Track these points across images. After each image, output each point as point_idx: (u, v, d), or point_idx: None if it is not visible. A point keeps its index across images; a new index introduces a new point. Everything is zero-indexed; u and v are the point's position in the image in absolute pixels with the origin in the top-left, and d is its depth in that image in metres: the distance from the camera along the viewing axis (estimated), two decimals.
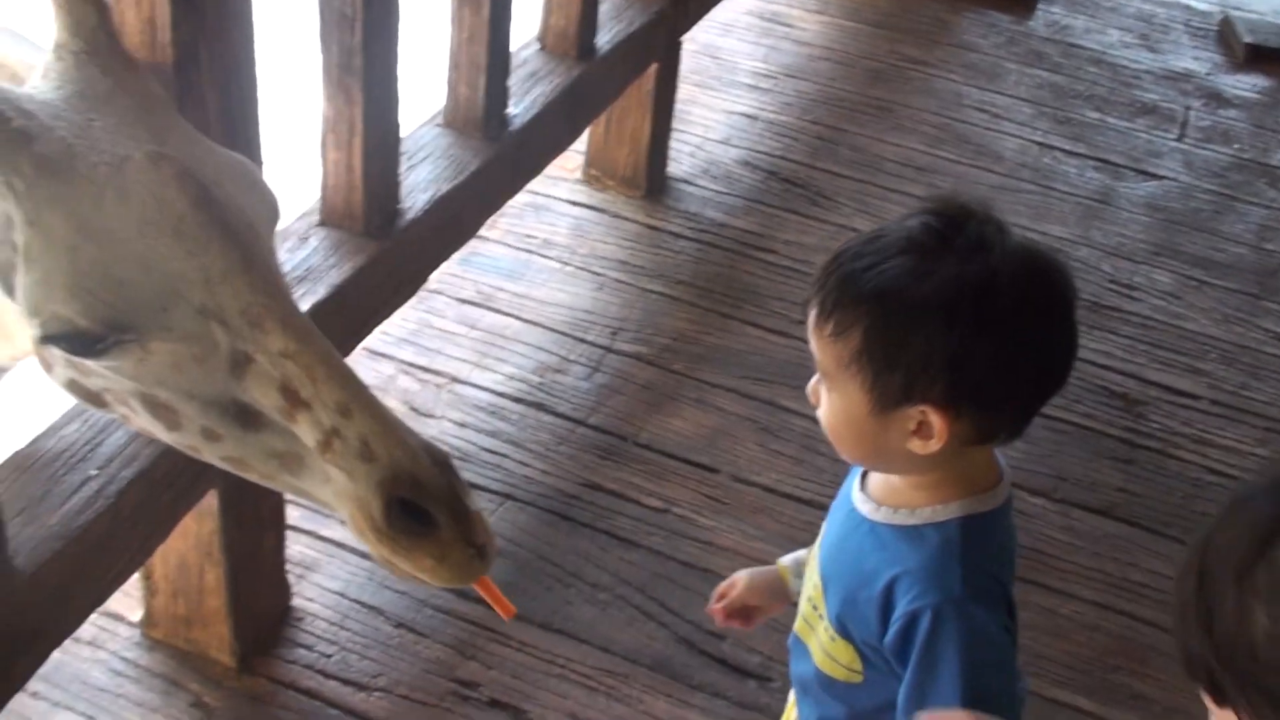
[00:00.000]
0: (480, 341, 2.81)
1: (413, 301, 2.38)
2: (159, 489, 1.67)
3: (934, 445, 1.26)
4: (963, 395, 1.25)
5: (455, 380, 2.70)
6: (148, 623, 2.09)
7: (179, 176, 1.15)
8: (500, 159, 2.40)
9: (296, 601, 2.20)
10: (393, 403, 2.60)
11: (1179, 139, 3.96)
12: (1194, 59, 4.41)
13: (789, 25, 4.25)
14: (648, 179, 3.29)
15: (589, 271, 3.06)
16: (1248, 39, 4.43)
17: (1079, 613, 2.39)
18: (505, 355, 2.78)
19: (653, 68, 3.12)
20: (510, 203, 2.70)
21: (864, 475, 1.42)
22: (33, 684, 1.77)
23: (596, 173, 3.31)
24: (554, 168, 2.97)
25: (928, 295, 1.23)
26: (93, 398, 1.25)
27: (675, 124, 3.40)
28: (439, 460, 1.20)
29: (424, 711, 2.07)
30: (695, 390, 2.77)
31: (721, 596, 1.62)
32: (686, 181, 3.42)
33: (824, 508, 1.50)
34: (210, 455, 1.25)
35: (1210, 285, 3.35)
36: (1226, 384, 3.02)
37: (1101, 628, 2.37)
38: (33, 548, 1.50)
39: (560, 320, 2.90)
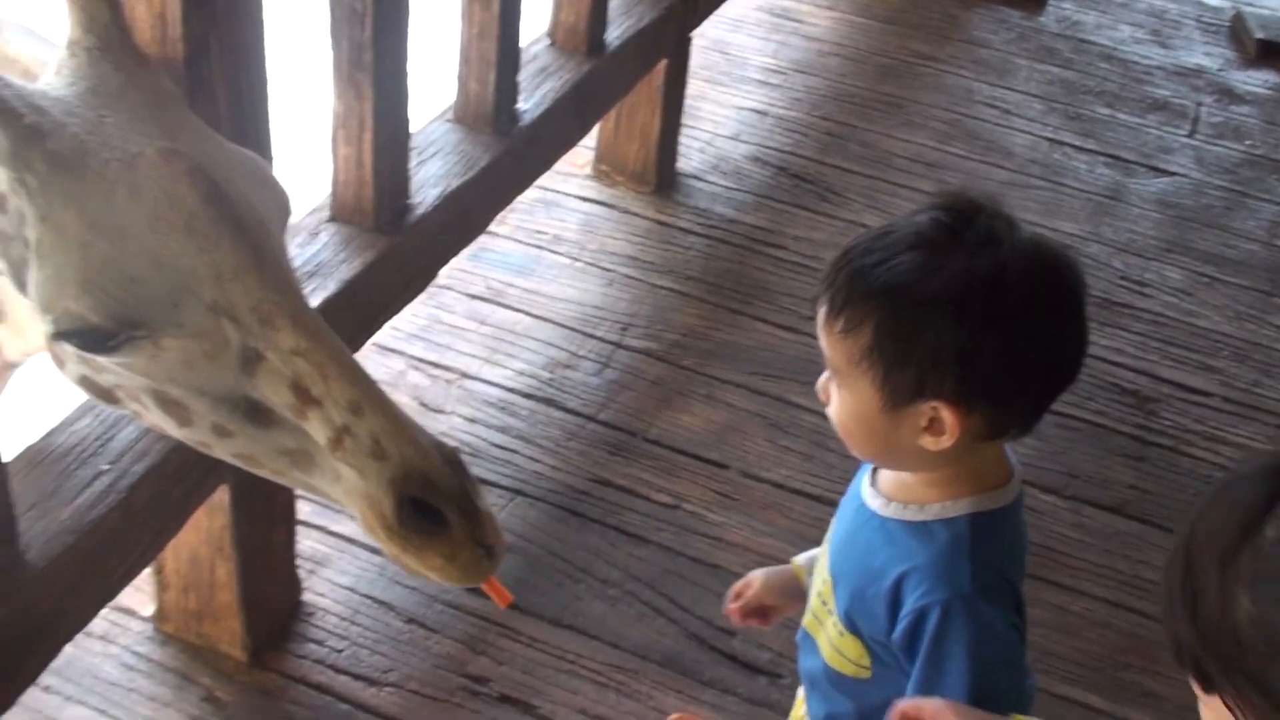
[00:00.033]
0: (490, 337, 2.81)
1: (422, 297, 2.38)
2: (170, 484, 1.68)
3: (946, 441, 1.26)
4: (974, 390, 1.24)
5: (465, 376, 2.70)
6: (159, 617, 2.10)
7: (191, 173, 1.15)
8: (510, 154, 2.40)
9: (307, 596, 2.20)
10: (403, 398, 2.61)
11: (1190, 135, 3.95)
12: (1205, 55, 4.40)
13: (799, 21, 4.24)
14: (657, 174, 3.29)
15: (599, 267, 3.06)
16: (1259, 35, 4.42)
17: (1090, 610, 2.39)
18: (515, 351, 2.78)
19: (662, 63, 3.12)
20: (520, 198, 2.70)
21: (874, 471, 1.41)
22: (44, 678, 1.77)
23: (606, 168, 3.31)
24: (564, 163, 2.97)
25: (938, 290, 1.23)
26: (104, 394, 1.26)
27: (685, 120, 3.39)
28: (450, 459, 1.20)
29: (434, 707, 2.07)
30: (705, 386, 2.77)
31: (737, 596, 1.62)
32: (696, 177, 3.42)
33: (834, 504, 1.50)
34: (221, 451, 1.25)
35: (1222, 282, 3.34)
36: (1239, 381, 3.01)
37: (1112, 625, 2.36)
38: (45, 542, 1.51)
39: (570, 316, 2.90)
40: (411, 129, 2.14)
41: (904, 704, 1.30)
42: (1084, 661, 2.29)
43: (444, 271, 2.42)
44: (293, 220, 1.39)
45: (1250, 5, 4.65)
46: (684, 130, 3.41)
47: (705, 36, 3.83)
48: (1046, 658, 2.25)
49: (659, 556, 2.37)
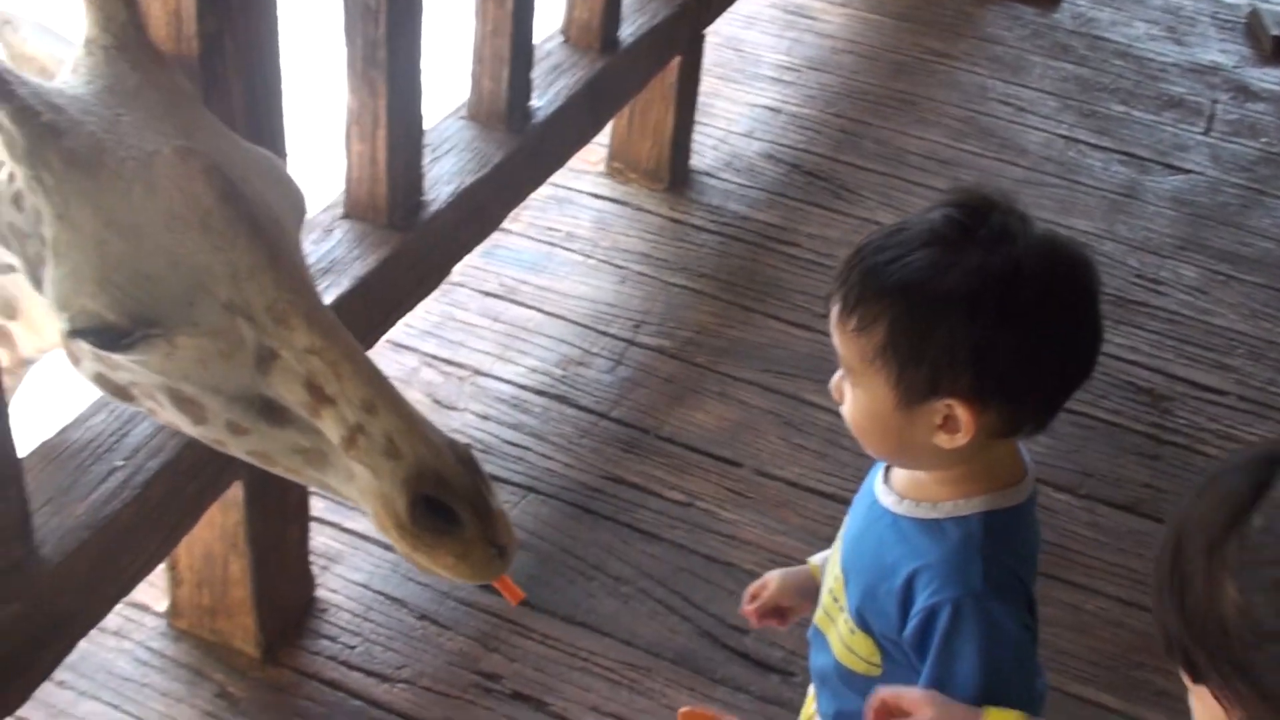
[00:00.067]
0: (503, 334, 2.81)
1: (436, 294, 2.38)
2: (185, 480, 1.68)
3: (960, 439, 1.26)
4: (989, 388, 1.24)
5: (478, 373, 2.71)
6: (173, 613, 2.11)
7: (206, 171, 1.16)
8: (523, 152, 2.40)
9: (320, 593, 2.21)
10: (416, 395, 2.61)
11: (1206, 133, 3.93)
12: (1221, 52, 4.38)
13: (812, 18, 4.23)
14: (670, 172, 3.29)
15: (611, 264, 3.06)
16: (1276, 32, 4.39)
17: (1104, 609, 2.38)
18: (528, 348, 2.78)
19: (676, 60, 3.12)
20: (533, 195, 2.70)
21: (888, 468, 1.41)
22: (59, 673, 1.78)
23: (619, 166, 3.31)
24: (577, 160, 2.97)
25: (951, 287, 1.23)
26: (120, 391, 1.26)
27: (698, 117, 3.39)
28: (463, 458, 1.20)
29: (446, 703, 2.08)
30: (718, 384, 2.76)
31: (754, 597, 1.61)
32: (709, 174, 3.41)
33: (847, 502, 1.50)
34: (235, 449, 1.26)
35: (1238, 280, 3.32)
36: (1254, 380, 3.00)
37: (1126, 624, 2.35)
38: (60, 537, 1.51)
39: (583, 313, 2.90)
40: (425, 126, 2.15)
41: (885, 691, 1.31)
42: (1097, 660, 2.28)
43: (457, 268, 2.42)
44: (307, 218, 1.40)
45: (1266, 2, 4.63)
46: (697, 127, 3.40)
47: (719, 33, 3.82)
48: (1060, 657, 2.24)
49: (672, 554, 2.37)
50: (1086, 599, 2.39)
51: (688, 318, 2.93)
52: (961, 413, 1.25)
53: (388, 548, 2.23)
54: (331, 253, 1.99)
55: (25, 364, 1.48)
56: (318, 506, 2.23)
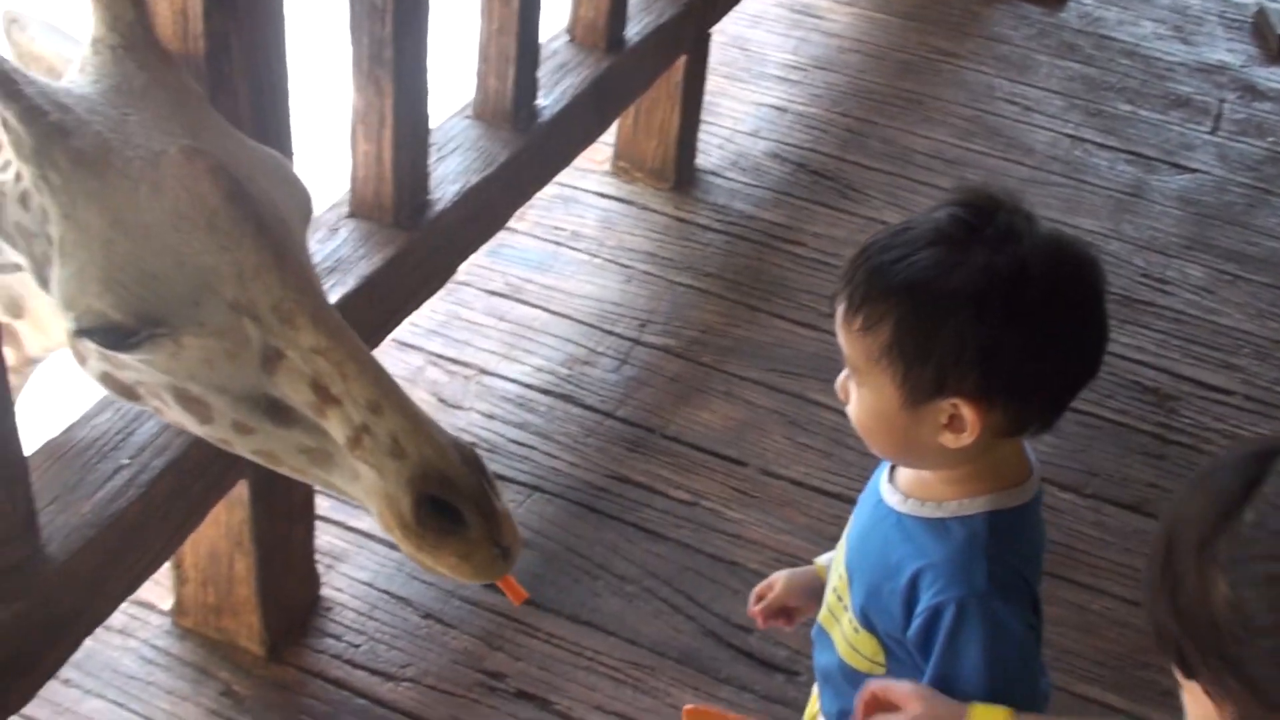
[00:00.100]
0: (508, 333, 2.81)
1: (441, 293, 2.38)
2: (190, 478, 1.68)
3: (966, 438, 1.26)
4: (995, 387, 1.24)
5: (483, 372, 2.71)
6: (178, 611, 2.11)
7: (213, 171, 1.16)
8: (529, 151, 2.40)
9: (325, 591, 2.21)
10: (421, 394, 2.61)
11: (1212, 132, 3.93)
12: (1228, 51, 4.37)
13: (818, 17, 4.23)
14: (676, 171, 3.29)
15: (617, 264, 3.06)
16: None
17: (1109, 609, 2.38)
18: (533, 347, 2.78)
19: (682, 59, 3.12)
20: (539, 194, 2.70)
21: (893, 467, 1.41)
22: (64, 671, 1.78)
23: (625, 165, 3.31)
24: (582, 160, 2.97)
25: (957, 287, 1.22)
26: (126, 391, 1.26)
27: (704, 116, 3.39)
28: (469, 458, 1.20)
29: (451, 702, 2.08)
30: (723, 383, 2.76)
31: (760, 598, 1.61)
32: (715, 174, 3.41)
33: (852, 501, 1.50)
34: (241, 448, 1.26)
35: (1244, 280, 3.32)
36: (1260, 379, 2.99)
37: (1131, 624, 2.35)
38: (65, 536, 1.51)
39: (588, 312, 2.90)
40: (431, 125, 2.15)
41: (875, 684, 1.33)
42: (1103, 660, 2.28)
43: (463, 267, 2.42)
44: (313, 216, 1.40)
45: (1274, 1, 4.62)
46: (703, 126, 3.40)
47: (725, 33, 3.82)
48: (1066, 656, 2.24)
49: (677, 553, 2.37)
50: (1092, 599, 2.39)
51: (693, 317, 2.93)
52: (967, 412, 1.24)
53: (393, 546, 2.23)
54: (337, 251, 1.99)
55: (31, 362, 1.48)
56: (323, 505, 2.23)
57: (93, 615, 1.62)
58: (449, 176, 2.22)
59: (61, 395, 1.91)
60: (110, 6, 1.24)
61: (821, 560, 1.60)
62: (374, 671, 2.11)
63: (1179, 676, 0.97)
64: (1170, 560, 0.94)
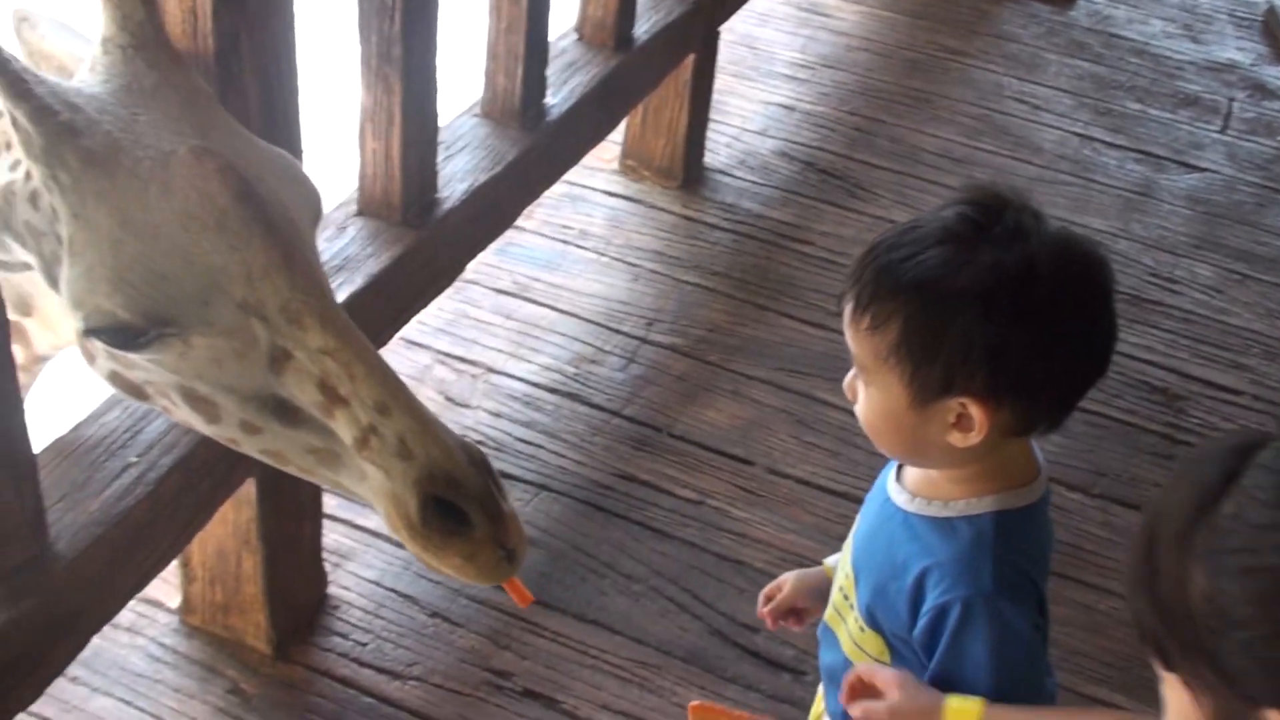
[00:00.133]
0: (516, 332, 2.81)
1: (449, 291, 2.38)
2: (198, 476, 1.69)
3: (974, 438, 1.25)
4: (1003, 386, 1.24)
5: (491, 370, 2.71)
6: (185, 609, 2.11)
7: (222, 171, 1.16)
8: (537, 149, 2.40)
9: (332, 590, 2.21)
10: (428, 392, 2.61)
11: (1222, 131, 3.92)
12: (1238, 50, 4.36)
13: (826, 15, 4.22)
14: (684, 170, 3.28)
15: (625, 262, 3.05)
16: None
17: (1117, 609, 2.37)
18: (541, 346, 2.78)
19: (690, 58, 3.11)
20: (547, 193, 2.70)
21: (900, 466, 1.41)
22: (72, 669, 1.79)
23: (633, 163, 3.31)
24: (590, 158, 2.97)
25: (965, 285, 1.22)
26: (134, 390, 1.26)
27: (712, 114, 3.39)
28: (475, 460, 1.20)
29: (458, 701, 2.08)
30: (730, 382, 2.76)
31: (769, 599, 1.61)
32: (723, 172, 3.41)
33: (859, 501, 1.49)
34: (249, 448, 1.26)
35: (1253, 279, 3.31)
36: (1269, 379, 2.98)
37: None
38: (74, 533, 1.52)
39: (596, 311, 2.90)
40: (439, 123, 2.15)
41: (860, 668, 1.35)
42: (1111, 661, 2.28)
43: (470, 266, 2.42)
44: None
45: None
46: (711, 125, 3.40)
47: (733, 31, 3.82)
48: (1073, 657, 2.24)
49: (683, 552, 2.37)
50: (1100, 599, 2.39)
51: (701, 315, 2.93)
52: (975, 411, 1.24)
53: (400, 545, 2.23)
54: (345, 250, 1.99)
55: (40, 360, 1.49)
56: (330, 504, 2.23)
57: (100, 613, 1.62)
58: (457, 175, 2.22)
59: (70, 393, 1.92)
60: (120, 6, 1.24)
61: (830, 561, 1.59)
62: (381, 670, 2.11)
63: (1160, 669, 0.97)
64: (1150, 552, 0.94)
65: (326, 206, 1.87)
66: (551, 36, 2.49)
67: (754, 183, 3.39)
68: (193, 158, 1.16)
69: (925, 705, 1.29)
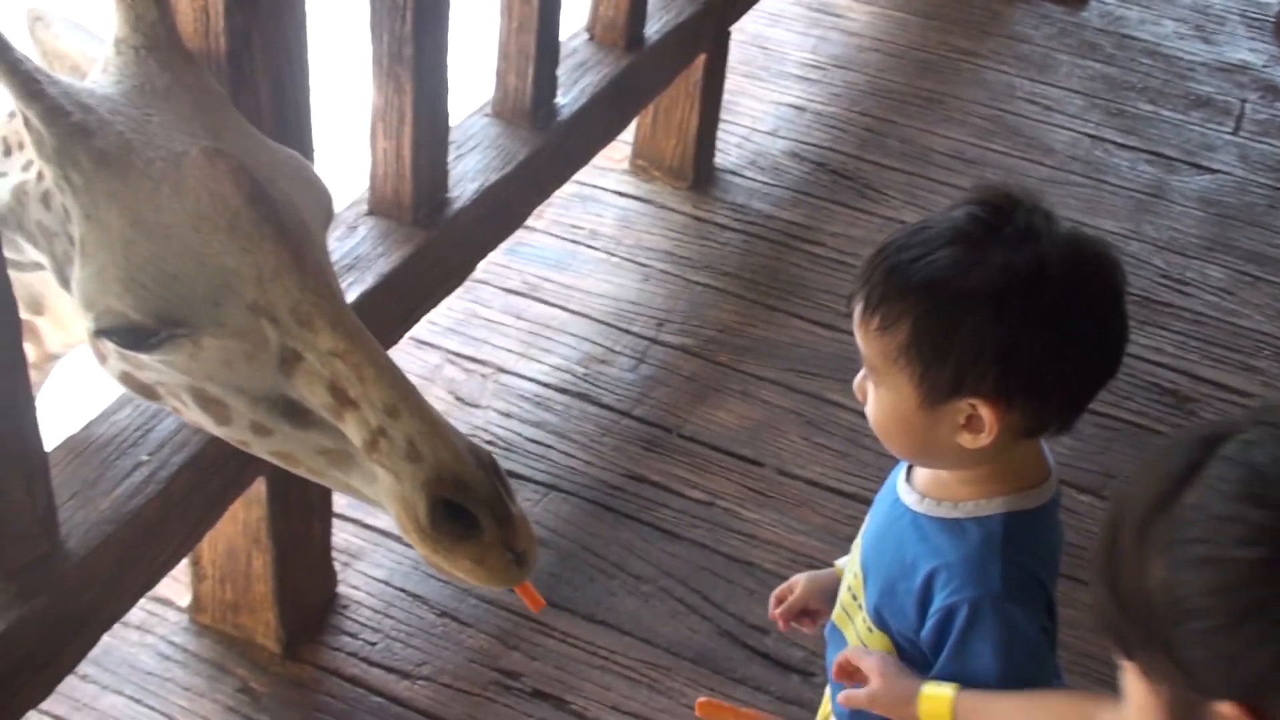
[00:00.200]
0: (526, 332, 2.81)
1: (459, 291, 2.38)
2: (208, 475, 1.69)
3: (984, 439, 1.25)
4: (1013, 387, 1.23)
5: (501, 370, 2.71)
6: (195, 608, 2.12)
7: (234, 173, 1.16)
8: (548, 149, 2.40)
9: (342, 589, 2.21)
10: (438, 392, 2.61)
11: (1234, 132, 3.91)
12: (1250, 51, 4.35)
13: (838, 15, 4.22)
14: (695, 170, 3.28)
15: (635, 262, 3.05)
16: None
17: None
18: (551, 346, 2.79)
19: (701, 58, 3.11)
20: (557, 193, 2.70)
21: (910, 467, 1.41)
22: (82, 667, 1.79)
23: (643, 163, 3.31)
24: (601, 158, 2.97)
25: (976, 286, 1.22)
26: (145, 390, 1.27)
27: (723, 115, 3.39)
28: (485, 463, 1.20)
29: (467, 700, 2.08)
30: (740, 383, 2.76)
31: (780, 600, 1.61)
32: (734, 173, 3.41)
33: (868, 502, 1.49)
34: (259, 449, 1.26)
35: (1265, 281, 3.30)
36: None
37: None
38: (84, 531, 1.52)
39: (606, 311, 2.90)
40: (450, 123, 2.15)
41: (848, 651, 1.37)
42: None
43: (481, 266, 2.42)
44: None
45: None
46: (722, 125, 3.40)
47: (744, 31, 3.82)
48: (1083, 659, 2.23)
49: (693, 553, 2.37)
50: None
51: (711, 316, 2.93)
52: (985, 412, 1.24)
53: (409, 545, 2.23)
54: (356, 249, 2.00)
55: (52, 359, 1.49)
56: (340, 503, 2.24)
57: (111, 611, 1.63)
58: (468, 174, 2.22)
59: (82, 391, 1.92)
60: (133, 7, 1.24)
61: (841, 562, 1.59)
62: (390, 669, 2.11)
63: (1120, 659, 0.97)
64: (1113, 541, 0.94)
65: (337, 206, 1.87)
66: (563, 36, 2.50)
67: (765, 183, 3.39)
68: (205, 159, 1.16)
69: (902, 693, 1.31)
